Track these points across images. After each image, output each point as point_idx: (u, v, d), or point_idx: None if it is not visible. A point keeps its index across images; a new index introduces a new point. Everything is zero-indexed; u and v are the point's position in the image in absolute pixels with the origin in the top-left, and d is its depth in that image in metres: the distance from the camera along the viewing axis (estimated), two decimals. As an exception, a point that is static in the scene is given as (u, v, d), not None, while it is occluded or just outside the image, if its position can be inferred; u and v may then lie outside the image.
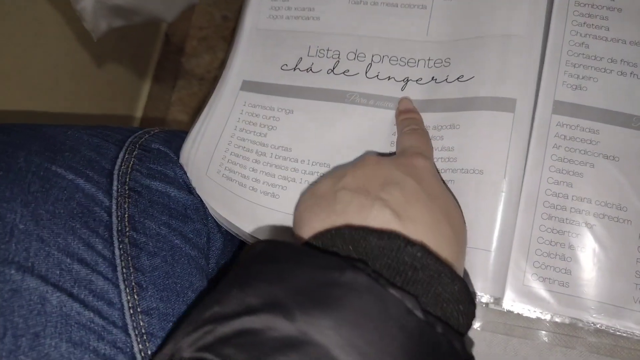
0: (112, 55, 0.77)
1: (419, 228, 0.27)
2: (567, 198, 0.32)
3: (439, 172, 0.33)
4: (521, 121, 0.33)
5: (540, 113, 0.34)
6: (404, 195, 0.28)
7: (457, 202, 0.32)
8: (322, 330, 0.20)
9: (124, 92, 0.83)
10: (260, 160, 0.38)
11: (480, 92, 0.34)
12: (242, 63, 0.42)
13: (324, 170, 0.36)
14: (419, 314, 0.22)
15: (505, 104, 0.34)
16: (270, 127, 0.39)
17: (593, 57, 0.34)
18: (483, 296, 0.31)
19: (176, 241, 0.35)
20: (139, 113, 0.87)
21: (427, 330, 0.22)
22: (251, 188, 0.37)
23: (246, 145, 0.39)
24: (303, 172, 0.36)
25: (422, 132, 0.34)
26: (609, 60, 0.34)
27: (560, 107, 0.33)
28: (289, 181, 0.36)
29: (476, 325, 0.32)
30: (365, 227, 0.26)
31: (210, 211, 0.39)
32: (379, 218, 0.26)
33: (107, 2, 0.62)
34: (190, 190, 0.39)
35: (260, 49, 0.42)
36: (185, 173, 0.39)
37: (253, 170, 0.37)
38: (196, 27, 0.95)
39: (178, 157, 0.40)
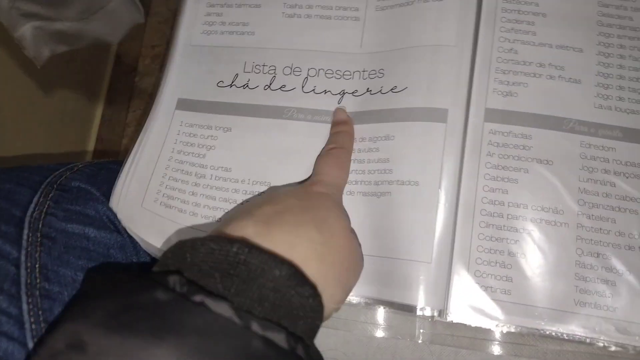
0: (60, 80, 0.76)
1: (274, 231, 0.26)
2: (504, 205, 0.32)
3: (339, 204, 0.33)
4: (453, 131, 0.33)
5: (472, 122, 0.34)
6: (274, 208, 0.27)
7: (349, 227, 0.31)
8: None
9: (75, 118, 0.81)
10: (200, 182, 0.37)
11: (413, 102, 0.34)
12: (177, 81, 0.41)
13: (264, 189, 0.36)
14: (226, 312, 0.21)
15: (437, 115, 0.34)
16: (209, 147, 0.38)
17: (522, 62, 0.34)
18: (426, 309, 0.31)
19: None
20: (92, 138, 0.85)
21: (234, 328, 0.21)
22: (191, 213, 0.36)
23: (185, 168, 0.38)
24: (244, 192, 0.36)
25: (337, 155, 0.34)
26: (538, 65, 0.34)
27: (492, 115, 0.34)
28: (230, 203, 0.36)
29: (424, 338, 0.32)
30: (209, 236, 0.25)
31: (144, 246, 0.37)
32: (237, 228, 0.26)
33: (47, 28, 0.60)
34: (116, 228, 0.37)
35: (195, 66, 0.41)
36: (109, 210, 0.38)
37: (193, 194, 0.37)
38: (148, 46, 0.94)
39: (103, 193, 0.38)
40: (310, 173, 0.35)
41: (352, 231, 0.32)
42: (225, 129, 0.38)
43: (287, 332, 0.22)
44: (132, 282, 0.23)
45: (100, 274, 0.26)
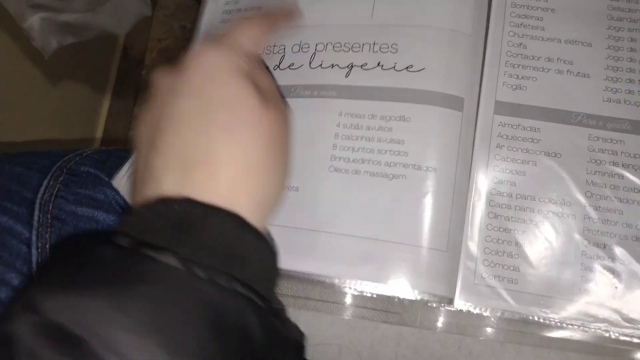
0: (68, 72, 0.76)
1: (191, 174, 0.26)
2: (512, 197, 0.32)
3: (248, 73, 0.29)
4: (468, 121, 0.34)
5: (483, 114, 0.34)
6: (172, 131, 0.27)
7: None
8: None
9: (82, 111, 0.82)
10: None
11: (431, 85, 0.34)
12: None
13: None
14: (171, 262, 0.22)
15: (455, 102, 0.34)
16: None
17: (531, 57, 0.34)
18: (436, 297, 0.32)
19: None
20: (99, 131, 0.85)
21: (178, 274, 0.22)
22: None
23: None
24: None
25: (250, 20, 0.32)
26: (546, 60, 0.34)
27: (501, 107, 0.34)
28: None
29: (429, 326, 0.33)
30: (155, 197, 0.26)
31: None
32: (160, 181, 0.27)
33: (55, 19, 0.61)
34: (124, 211, 0.38)
35: None
36: (117, 194, 0.38)
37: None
38: (155, 39, 0.94)
39: (111, 178, 0.39)
40: (317, 149, 0.35)
41: (266, 100, 0.29)
42: None
43: (231, 275, 0.23)
44: (84, 244, 0.23)
45: (61, 243, 0.28)
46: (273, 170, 0.29)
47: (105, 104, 0.87)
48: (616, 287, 0.30)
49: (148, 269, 0.22)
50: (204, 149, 0.26)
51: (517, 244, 0.32)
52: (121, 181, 0.38)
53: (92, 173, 0.38)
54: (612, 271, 0.31)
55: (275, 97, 0.30)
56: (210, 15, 0.42)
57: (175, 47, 0.94)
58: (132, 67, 0.92)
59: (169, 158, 0.27)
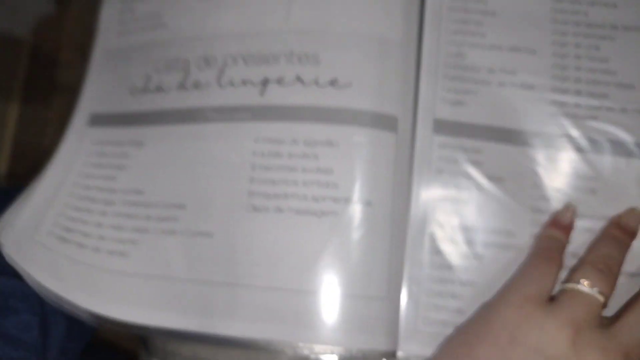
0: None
1: None
2: (454, 229, 0.29)
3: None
4: (404, 143, 0.30)
5: (421, 134, 0.30)
6: None
7: None
8: None
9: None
10: (108, 211, 0.31)
11: (360, 103, 0.30)
12: (91, 94, 0.35)
13: (179, 213, 0.30)
14: None
15: (388, 122, 0.29)
16: (120, 168, 0.32)
17: (471, 69, 0.31)
18: (374, 353, 0.27)
19: None
20: (7, 141, 0.76)
21: None
22: (94, 249, 0.30)
23: (91, 195, 0.32)
24: (157, 219, 0.30)
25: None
26: (488, 71, 0.30)
27: (441, 126, 0.30)
28: (141, 233, 0.30)
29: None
30: None
31: (34, 287, 0.31)
32: None
33: None
34: (15, 272, 0.31)
35: (110, 74, 0.35)
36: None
37: (98, 225, 0.31)
38: (69, 35, 0.85)
39: None
40: (231, 184, 0.29)
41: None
42: (137, 144, 0.32)
43: None
44: None
45: None
46: None
47: (14, 110, 0.78)
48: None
49: None
50: None
51: (461, 283, 0.28)
52: (4, 231, 0.32)
53: None
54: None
55: None
56: (105, 27, 0.36)
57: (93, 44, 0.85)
58: (42, 67, 0.83)
59: None
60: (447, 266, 0.28)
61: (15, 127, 0.77)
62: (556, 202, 0.29)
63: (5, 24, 0.57)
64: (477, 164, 0.29)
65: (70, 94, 0.86)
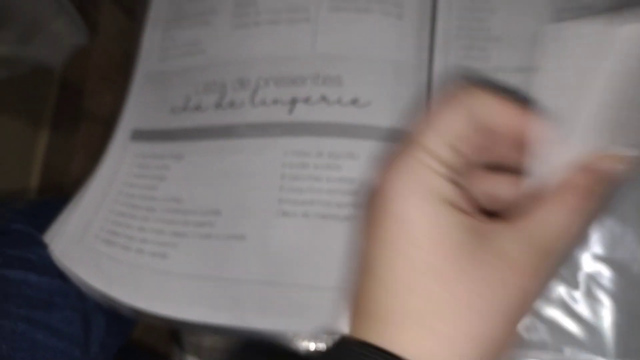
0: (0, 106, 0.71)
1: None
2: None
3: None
4: None
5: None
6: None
7: None
8: None
9: (17, 145, 0.77)
10: (150, 217, 0.35)
11: (378, 120, 0.33)
12: (133, 112, 0.39)
13: (215, 219, 0.33)
14: None
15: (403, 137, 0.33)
16: (161, 178, 0.36)
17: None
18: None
19: (38, 336, 0.31)
20: (37, 166, 0.80)
21: None
22: (137, 250, 0.34)
23: (135, 202, 0.35)
24: (194, 224, 0.33)
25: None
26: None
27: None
28: (180, 237, 0.33)
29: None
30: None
31: (82, 287, 0.34)
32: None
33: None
34: (59, 273, 0.34)
35: (151, 94, 0.39)
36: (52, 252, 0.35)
37: (141, 229, 0.34)
38: (95, 66, 0.90)
39: (44, 233, 0.36)
40: (263, 192, 0.32)
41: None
42: (177, 157, 0.36)
43: None
44: None
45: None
46: None
47: (44, 137, 0.82)
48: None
49: None
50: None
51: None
52: (55, 237, 0.35)
53: (24, 231, 0.35)
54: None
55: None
56: (147, 53, 0.40)
57: (117, 74, 0.90)
58: (70, 96, 0.87)
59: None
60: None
61: (45, 154, 0.81)
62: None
63: (41, 55, 0.62)
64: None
65: (96, 122, 0.91)
